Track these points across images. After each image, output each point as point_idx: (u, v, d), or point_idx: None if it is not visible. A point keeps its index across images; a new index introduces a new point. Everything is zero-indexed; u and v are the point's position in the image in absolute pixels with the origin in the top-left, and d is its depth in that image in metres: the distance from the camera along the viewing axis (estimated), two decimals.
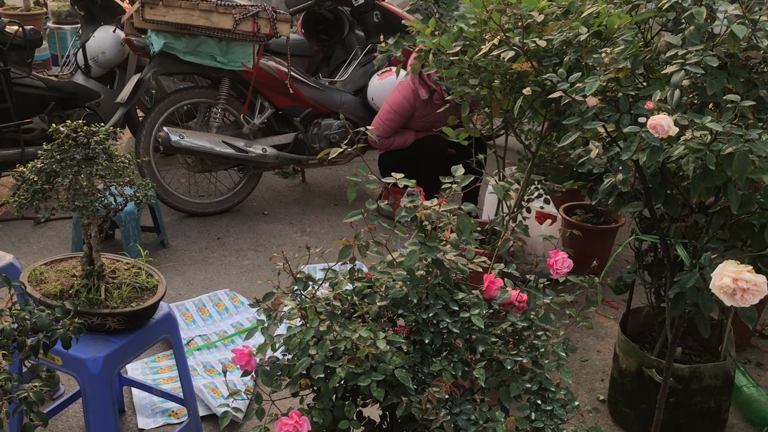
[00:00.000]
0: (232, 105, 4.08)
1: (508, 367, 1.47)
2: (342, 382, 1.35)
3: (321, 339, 1.39)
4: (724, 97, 1.43)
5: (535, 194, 3.02)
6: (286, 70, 4.07)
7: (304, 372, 1.42)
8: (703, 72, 1.48)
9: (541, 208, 3.28)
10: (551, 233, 3.39)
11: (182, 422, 2.44)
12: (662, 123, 1.37)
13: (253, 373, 1.48)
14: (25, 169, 1.99)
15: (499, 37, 1.93)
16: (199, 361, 2.83)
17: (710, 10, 1.58)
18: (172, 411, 2.59)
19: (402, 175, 1.59)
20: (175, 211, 4.08)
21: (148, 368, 2.81)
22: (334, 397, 1.42)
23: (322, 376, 1.40)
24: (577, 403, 1.52)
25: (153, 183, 2.14)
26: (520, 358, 1.50)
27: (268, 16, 3.79)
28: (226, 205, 4.18)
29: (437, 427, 1.35)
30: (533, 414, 1.47)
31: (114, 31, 4.35)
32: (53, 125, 2.02)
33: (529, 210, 2.92)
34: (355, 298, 1.52)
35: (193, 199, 4.14)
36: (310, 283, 1.55)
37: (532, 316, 1.57)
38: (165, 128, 3.84)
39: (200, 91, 4.10)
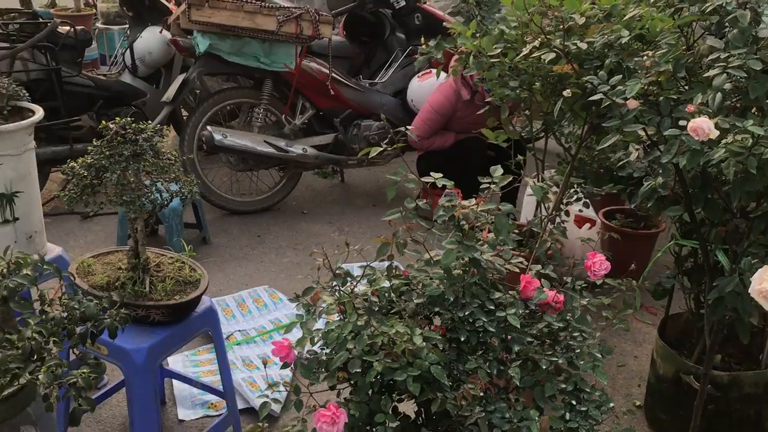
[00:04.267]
0: (274, 105, 4.15)
1: (544, 367, 1.48)
2: (379, 377, 1.38)
3: (359, 334, 1.42)
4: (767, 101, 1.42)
5: (574, 197, 3.01)
6: (328, 71, 4.12)
7: (342, 366, 1.45)
8: (746, 75, 1.47)
9: (580, 211, 3.26)
10: (590, 237, 3.37)
11: (221, 414, 2.49)
12: (702, 126, 1.36)
13: (291, 366, 1.52)
14: (75, 165, 2.06)
15: (540, 39, 1.93)
16: (237, 355, 2.88)
17: (755, 14, 1.57)
18: (211, 403, 2.65)
19: (441, 175, 1.62)
20: (217, 208, 4.16)
21: (189, 361, 2.88)
22: (370, 391, 1.45)
23: (359, 370, 1.43)
24: (612, 404, 1.53)
25: (197, 180, 2.20)
26: (555, 359, 1.51)
27: (311, 18, 3.84)
28: (266, 204, 4.25)
29: (471, 424, 1.36)
30: (568, 414, 1.47)
31: (161, 32, 4.46)
32: (103, 122, 2.08)
33: (567, 213, 2.91)
34: (392, 295, 1.55)
35: (235, 197, 4.22)
36: (349, 279, 1.58)
37: (568, 317, 1.58)
38: (209, 127, 3.92)
39: (243, 92, 4.18)
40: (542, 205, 2.77)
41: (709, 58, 1.52)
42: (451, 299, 1.50)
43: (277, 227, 4.11)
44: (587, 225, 3.35)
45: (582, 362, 1.53)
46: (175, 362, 2.85)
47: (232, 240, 3.92)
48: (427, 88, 4.20)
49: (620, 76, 1.63)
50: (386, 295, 1.56)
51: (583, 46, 1.83)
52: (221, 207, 4.14)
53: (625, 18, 1.84)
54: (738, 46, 1.50)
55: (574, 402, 1.50)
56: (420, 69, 4.23)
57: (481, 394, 1.42)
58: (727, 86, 1.45)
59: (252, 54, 3.92)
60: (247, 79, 4.33)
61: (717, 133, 1.37)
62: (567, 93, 1.82)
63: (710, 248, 1.92)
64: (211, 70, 4.07)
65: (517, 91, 2.30)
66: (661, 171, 1.70)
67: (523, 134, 3.06)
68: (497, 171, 1.65)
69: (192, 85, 4.04)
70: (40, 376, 1.48)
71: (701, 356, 2.47)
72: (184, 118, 4.57)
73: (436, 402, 1.37)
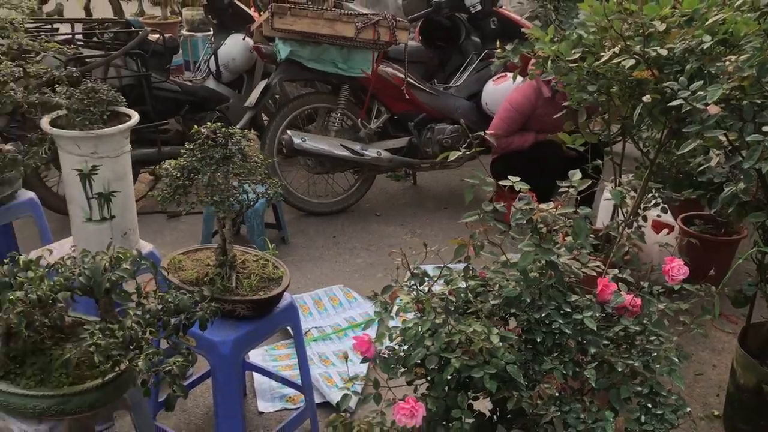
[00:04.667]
0: (351, 110, 4.24)
1: (619, 370, 1.49)
2: (455, 374, 1.43)
3: (436, 331, 1.47)
4: None
5: (652, 202, 2.97)
6: (403, 76, 4.19)
7: (419, 362, 1.50)
8: None
9: (658, 216, 3.22)
10: (667, 243, 3.31)
11: (298, 408, 2.59)
12: None
13: (371, 360, 1.58)
14: (168, 166, 2.19)
15: (620, 45, 1.94)
16: (314, 351, 2.98)
17: None
18: (290, 397, 2.75)
19: (518, 179, 1.65)
20: (295, 209, 4.29)
21: (269, 355, 2.99)
22: (447, 388, 1.50)
23: (436, 366, 1.48)
24: (689, 409, 1.53)
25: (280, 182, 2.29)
26: (631, 362, 1.52)
27: (389, 24, 3.92)
28: (341, 206, 4.36)
29: (546, 423, 1.40)
30: (643, 417, 1.48)
31: (244, 39, 4.63)
32: (195, 127, 2.20)
33: (645, 218, 2.88)
34: (469, 295, 1.59)
35: (312, 199, 4.34)
36: (426, 279, 1.63)
37: (645, 321, 1.58)
38: (288, 131, 4.05)
39: (321, 97, 4.29)
40: (620, 209, 2.75)
41: None
42: (528, 301, 1.54)
43: (351, 228, 4.21)
44: (665, 231, 3.30)
45: (658, 366, 1.53)
46: (255, 356, 2.97)
47: (309, 240, 4.04)
48: (502, 92, 4.21)
49: (701, 81, 1.62)
50: (463, 295, 1.60)
51: (663, 52, 1.83)
52: (299, 208, 4.27)
53: (707, 22, 1.83)
54: None
55: (649, 405, 1.51)
56: (495, 72, 4.24)
57: (557, 394, 1.45)
58: None
59: (330, 60, 4.03)
60: (325, 85, 4.45)
61: None
62: (646, 98, 1.82)
63: None
64: (292, 76, 4.20)
65: (595, 95, 2.30)
66: (742, 176, 1.68)
67: (600, 138, 3.04)
68: (576, 175, 1.67)
69: (273, 90, 4.18)
70: (139, 363, 1.60)
71: None
72: (265, 122, 4.73)
73: (512, 400, 1.41)
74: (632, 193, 2.66)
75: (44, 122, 2.39)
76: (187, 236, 4.02)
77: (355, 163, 4.21)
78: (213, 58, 4.78)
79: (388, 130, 4.38)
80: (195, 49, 6.38)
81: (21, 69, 2.41)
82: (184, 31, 6.49)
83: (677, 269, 1.62)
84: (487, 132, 4.05)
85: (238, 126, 4.08)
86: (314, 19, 3.82)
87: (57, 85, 2.52)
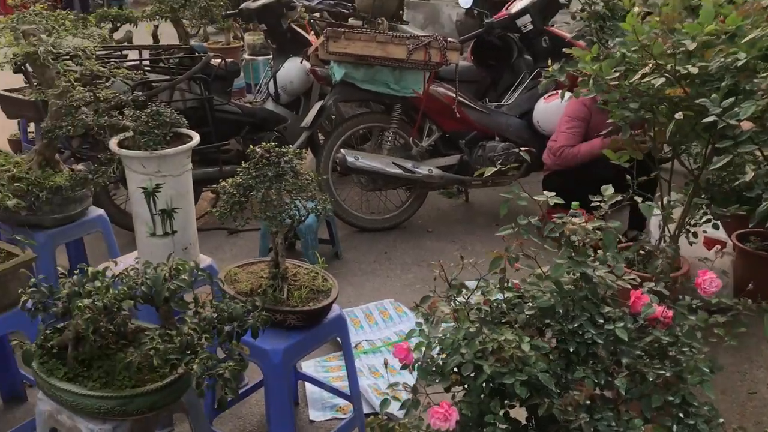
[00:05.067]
0: (403, 128, 4.35)
1: (651, 379, 1.53)
2: (490, 380, 1.49)
3: (471, 340, 1.54)
4: None
5: (704, 219, 2.96)
6: (454, 95, 4.27)
7: (456, 369, 1.57)
8: None
9: (704, 232, 3.18)
10: (720, 259, 3.28)
11: (347, 417, 2.67)
12: None
13: (410, 367, 1.66)
14: (226, 184, 2.33)
15: (650, 64, 1.98)
16: (364, 363, 3.07)
17: None
18: (340, 407, 2.84)
19: (553, 194, 1.71)
20: (349, 225, 4.41)
21: (320, 366, 3.09)
22: (483, 395, 1.56)
23: (471, 374, 1.54)
24: (722, 420, 1.54)
25: (330, 198, 2.39)
26: (663, 372, 1.55)
27: (439, 45, 4.02)
28: (393, 222, 4.45)
29: (576, 429, 1.44)
30: (675, 427, 1.51)
31: (301, 62, 4.80)
32: (250, 146, 2.33)
33: (696, 234, 2.87)
34: (504, 305, 1.66)
35: (365, 216, 4.45)
36: (464, 290, 1.70)
37: (677, 333, 1.61)
38: (342, 150, 4.18)
39: (374, 116, 4.42)
40: (665, 225, 2.76)
41: None
42: (561, 312, 1.59)
43: (403, 244, 4.29)
44: (717, 247, 3.26)
45: (689, 376, 1.56)
46: (307, 367, 3.07)
47: (361, 255, 4.14)
48: (554, 109, 4.24)
49: (733, 98, 1.65)
50: (497, 306, 1.67)
51: (695, 70, 1.86)
52: (352, 224, 4.39)
53: (745, 39, 1.85)
54: None
55: (681, 415, 1.53)
56: (546, 91, 4.28)
57: (588, 402, 1.50)
58: None
59: (383, 81, 4.15)
60: (378, 105, 4.57)
61: None
62: (679, 115, 1.85)
63: None
64: (346, 97, 4.34)
65: (641, 112, 2.33)
66: None
67: (651, 153, 3.04)
68: (608, 190, 1.72)
69: (328, 111, 4.32)
70: (194, 366, 1.72)
71: None
72: (321, 141, 4.88)
73: (543, 406, 1.46)
74: (679, 208, 2.67)
75: (112, 143, 2.57)
76: (245, 251, 4.18)
77: (407, 180, 4.30)
78: (272, 80, 4.97)
79: (440, 148, 4.46)
80: (256, 73, 6.61)
81: (92, 94, 2.60)
82: (246, 56, 6.74)
83: (709, 282, 1.64)
84: (553, 148, 4.05)
85: (294, 145, 4.24)
86: (367, 42, 3.95)
87: (125, 109, 2.71)
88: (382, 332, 3.34)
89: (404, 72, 4.13)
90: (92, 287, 1.87)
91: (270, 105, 4.95)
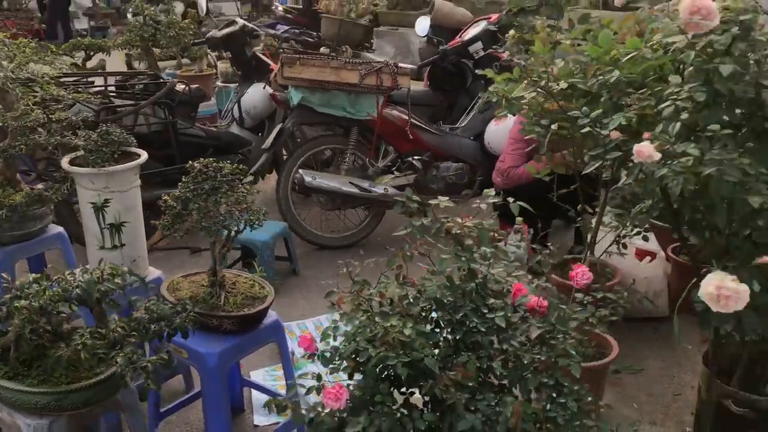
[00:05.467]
0: (360, 150, 4.53)
1: (525, 362, 1.68)
2: (379, 364, 1.64)
3: (364, 328, 1.69)
4: (708, 127, 1.58)
5: (634, 231, 3.13)
6: (407, 117, 4.47)
7: (354, 356, 1.73)
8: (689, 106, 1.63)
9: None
10: (652, 270, 3.46)
11: (287, 420, 2.80)
12: (644, 150, 1.55)
13: (315, 356, 1.82)
14: (168, 198, 2.49)
15: (526, 81, 2.17)
16: (310, 369, 3.20)
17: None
18: (285, 412, 2.96)
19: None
20: (308, 243, 4.56)
21: (269, 375, 3.23)
22: (377, 380, 1.71)
23: (366, 359, 1.70)
24: (590, 398, 1.70)
25: (266, 210, 2.54)
26: (538, 356, 1.71)
27: (390, 70, 4.23)
28: (351, 240, 4.61)
29: (450, 405, 1.59)
30: (549, 405, 1.66)
31: (264, 88, 5.00)
32: (190, 163, 2.50)
33: (625, 246, 3.05)
34: (395, 298, 1.82)
35: (324, 233, 4.61)
36: (366, 286, 1.87)
37: (552, 321, 1.77)
38: (300, 170, 4.36)
39: (333, 138, 4.60)
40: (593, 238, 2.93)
41: (666, 92, 1.71)
42: (446, 302, 1.75)
43: (360, 261, 4.43)
44: (647, 258, 3.44)
45: (560, 360, 1.71)
46: (256, 375, 3.21)
47: (319, 272, 4.29)
48: (503, 131, 4.42)
49: (600, 110, 1.84)
50: (392, 299, 1.83)
51: (563, 85, 2.05)
52: (311, 242, 4.55)
53: (622, 60, 2.04)
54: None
55: (554, 395, 1.69)
56: (493, 113, 4.47)
57: (471, 384, 1.65)
58: (684, 115, 1.63)
59: (339, 105, 4.34)
60: (338, 128, 4.76)
61: (659, 156, 1.55)
62: (554, 127, 2.04)
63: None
64: (304, 120, 4.53)
65: (551, 128, 2.51)
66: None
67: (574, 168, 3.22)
68: (488, 192, 1.90)
69: (287, 133, 4.51)
70: (118, 359, 1.87)
71: (746, 381, 2.53)
72: None
73: (425, 386, 1.62)
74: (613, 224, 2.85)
75: (64, 161, 2.74)
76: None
77: (365, 199, 4.47)
78: (237, 105, 5.16)
79: (398, 169, 4.64)
80: (228, 98, 6.81)
81: (45, 116, 2.77)
82: (219, 83, 6.95)
83: (581, 275, 1.81)
84: (500, 168, 4.23)
85: (255, 167, 4.44)
86: (321, 67, 4.16)
87: (79, 130, 2.88)
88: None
89: (359, 96, 4.33)
90: (32, 290, 2.02)
91: (235, 129, 5.14)
